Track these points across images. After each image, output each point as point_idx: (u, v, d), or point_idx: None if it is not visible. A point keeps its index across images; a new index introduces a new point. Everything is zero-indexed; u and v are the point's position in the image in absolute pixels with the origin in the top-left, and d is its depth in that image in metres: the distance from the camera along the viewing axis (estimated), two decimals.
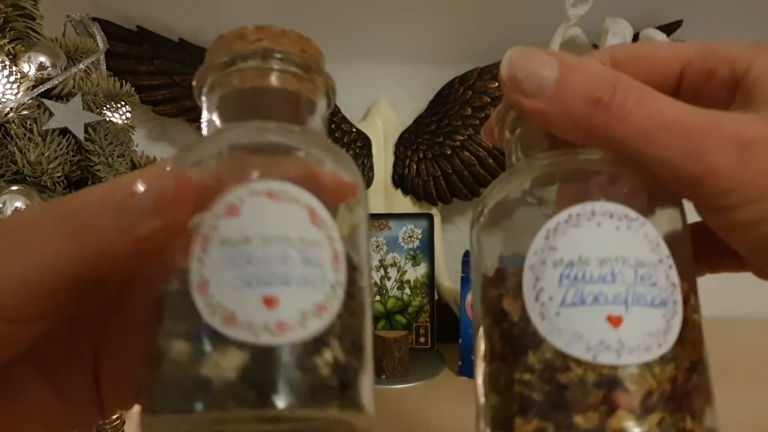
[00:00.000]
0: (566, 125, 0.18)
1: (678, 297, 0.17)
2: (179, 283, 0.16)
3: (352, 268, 0.18)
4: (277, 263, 0.16)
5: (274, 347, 0.15)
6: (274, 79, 0.19)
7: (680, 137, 0.16)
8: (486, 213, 0.20)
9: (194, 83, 0.20)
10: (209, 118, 0.20)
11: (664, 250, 0.17)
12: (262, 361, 0.15)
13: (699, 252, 0.21)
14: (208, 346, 0.15)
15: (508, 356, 0.18)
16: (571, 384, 0.16)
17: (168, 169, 0.18)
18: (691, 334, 0.17)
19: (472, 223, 0.21)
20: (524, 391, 0.17)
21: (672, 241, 0.18)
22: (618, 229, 0.17)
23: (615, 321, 0.16)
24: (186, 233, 0.16)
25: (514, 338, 0.17)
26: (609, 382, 0.16)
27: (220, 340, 0.15)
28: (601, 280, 0.16)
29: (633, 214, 0.17)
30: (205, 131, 0.20)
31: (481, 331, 0.19)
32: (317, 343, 0.16)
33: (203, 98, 0.20)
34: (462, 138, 0.70)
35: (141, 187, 0.16)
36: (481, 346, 0.19)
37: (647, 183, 0.18)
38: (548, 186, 0.20)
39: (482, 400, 0.18)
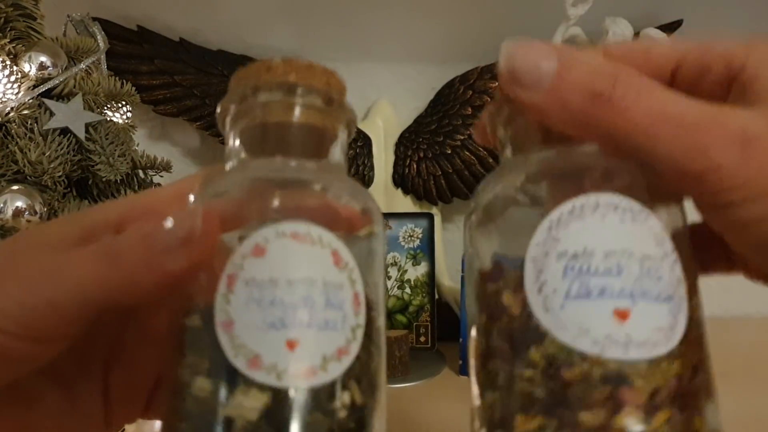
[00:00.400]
0: (564, 119, 0.17)
1: (683, 292, 0.17)
2: (203, 318, 0.17)
3: (371, 308, 0.18)
4: (301, 306, 0.16)
5: (295, 390, 0.15)
6: (299, 114, 0.19)
7: (682, 132, 0.16)
8: (479, 210, 0.20)
9: (218, 111, 0.20)
10: (232, 147, 0.20)
11: (669, 244, 0.17)
12: (283, 403, 0.15)
13: None
14: (231, 387, 0.15)
15: (508, 352, 0.17)
16: (576, 379, 0.15)
17: (194, 204, 0.18)
18: (695, 332, 0.17)
19: (466, 220, 0.21)
20: (525, 387, 0.16)
21: (674, 237, 0.17)
22: (623, 221, 0.17)
23: (622, 315, 0.16)
24: (212, 269, 0.17)
25: (515, 333, 0.17)
26: (616, 377, 0.15)
27: (243, 381, 0.15)
28: (607, 273, 0.16)
29: (637, 206, 0.17)
30: (227, 161, 0.20)
31: (474, 331, 0.19)
32: (336, 386, 0.16)
33: (227, 127, 0.20)
34: (462, 137, 0.70)
35: (170, 224, 0.16)
36: (476, 345, 0.19)
37: (647, 179, 0.18)
38: (543, 181, 0.19)
39: (478, 399, 0.18)
